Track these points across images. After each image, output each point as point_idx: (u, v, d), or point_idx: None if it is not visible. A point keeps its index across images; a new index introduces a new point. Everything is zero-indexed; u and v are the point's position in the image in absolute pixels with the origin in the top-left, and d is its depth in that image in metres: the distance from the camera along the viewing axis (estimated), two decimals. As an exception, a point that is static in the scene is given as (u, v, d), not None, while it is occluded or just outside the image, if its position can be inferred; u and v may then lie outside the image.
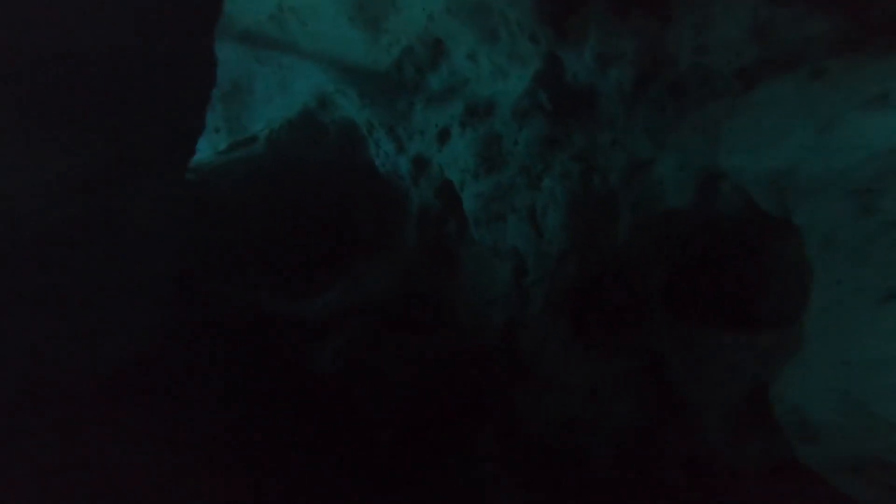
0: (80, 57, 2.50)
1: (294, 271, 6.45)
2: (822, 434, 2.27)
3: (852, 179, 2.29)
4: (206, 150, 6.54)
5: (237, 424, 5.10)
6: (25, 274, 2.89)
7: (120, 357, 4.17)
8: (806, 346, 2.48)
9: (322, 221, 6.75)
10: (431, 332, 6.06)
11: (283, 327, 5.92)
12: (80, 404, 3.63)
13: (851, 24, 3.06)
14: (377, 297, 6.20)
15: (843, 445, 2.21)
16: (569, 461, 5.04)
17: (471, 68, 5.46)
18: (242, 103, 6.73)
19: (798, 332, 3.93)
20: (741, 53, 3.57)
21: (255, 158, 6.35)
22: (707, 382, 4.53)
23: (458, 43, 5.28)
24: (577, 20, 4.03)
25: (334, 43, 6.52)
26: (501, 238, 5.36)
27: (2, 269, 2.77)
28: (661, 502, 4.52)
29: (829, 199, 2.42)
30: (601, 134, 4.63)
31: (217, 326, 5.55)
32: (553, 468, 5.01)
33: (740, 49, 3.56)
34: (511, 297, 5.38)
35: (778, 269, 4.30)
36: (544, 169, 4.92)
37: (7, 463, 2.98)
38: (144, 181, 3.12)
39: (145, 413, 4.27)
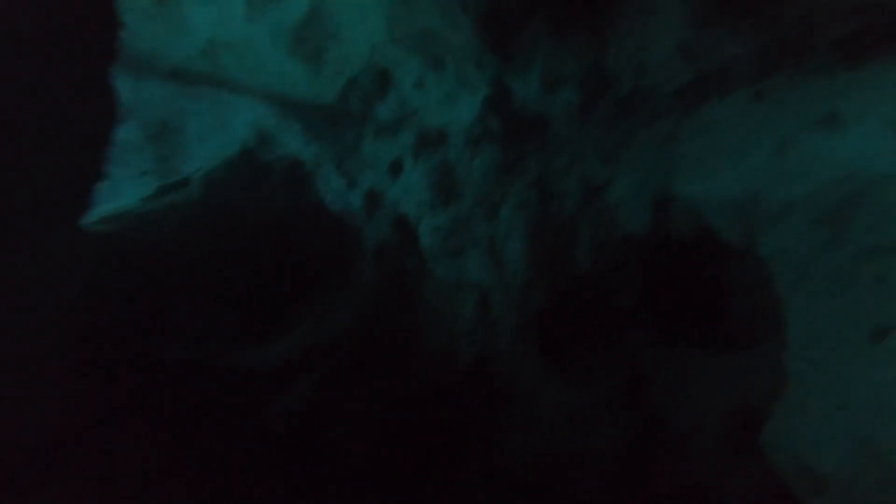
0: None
1: (244, 320, 5.98)
2: (833, 485, 2.10)
3: (816, 207, 2.20)
4: (133, 195, 6.02)
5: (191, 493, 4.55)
6: None
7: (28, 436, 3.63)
8: (795, 388, 2.33)
9: (270, 266, 6.34)
10: (399, 371, 5.72)
11: (235, 381, 5.43)
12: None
13: (770, 44, 3.07)
14: (339, 338, 5.81)
15: (859, 497, 2.04)
16: (555, 495, 4.76)
17: (419, 96, 5.30)
18: (174, 144, 6.28)
19: (775, 356, 3.86)
20: (676, 74, 3.57)
21: (190, 203, 5.88)
22: (691, 406, 4.39)
23: (404, 72, 5.12)
24: (521, 45, 3.94)
25: (273, 77, 6.25)
26: (463, 272, 5.13)
27: None
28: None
29: (796, 228, 2.32)
30: (556, 158, 4.53)
31: (154, 388, 5.01)
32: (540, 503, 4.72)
33: (674, 69, 3.56)
34: (478, 331, 5.13)
35: (742, 291, 4.23)
36: (501, 198, 4.76)
37: None
38: (29, 240, 2.68)
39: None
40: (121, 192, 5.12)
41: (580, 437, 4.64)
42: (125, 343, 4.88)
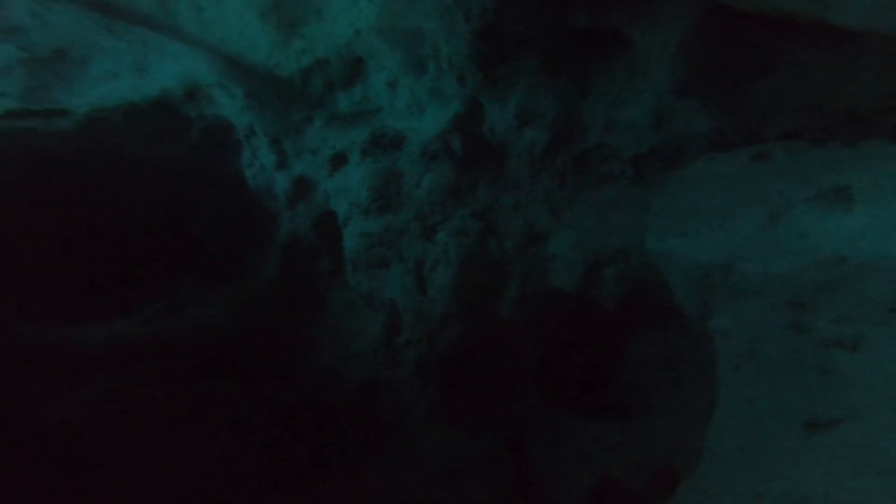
0: None
1: (82, 289, 4.90)
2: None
3: (790, 288, 2.17)
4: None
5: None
6: None
7: None
8: (710, 470, 2.21)
9: (143, 228, 5.43)
10: (265, 383, 4.96)
11: (34, 360, 4.29)
12: None
13: (728, 127, 3.29)
14: (198, 332, 4.96)
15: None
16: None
17: (387, 96, 5.07)
18: (62, 74, 5.29)
19: (645, 431, 3.89)
20: (640, 139, 3.72)
21: (53, 135, 4.84)
22: (560, 472, 4.25)
23: (380, 66, 4.89)
24: (509, 70, 3.92)
25: (232, 35, 5.71)
26: (380, 287, 4.73)
27: None
28: None
29: (760, 307, 2.29)
30: (507, 195, 4.45)
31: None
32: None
33: (640, 134, 3.71)
34: (377, 354, 4.66)
35: (637, 365, 4.33)
36: (443, 220, 4.55)
37: None
38: None
39: None
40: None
41: (449, 490, 4.26)
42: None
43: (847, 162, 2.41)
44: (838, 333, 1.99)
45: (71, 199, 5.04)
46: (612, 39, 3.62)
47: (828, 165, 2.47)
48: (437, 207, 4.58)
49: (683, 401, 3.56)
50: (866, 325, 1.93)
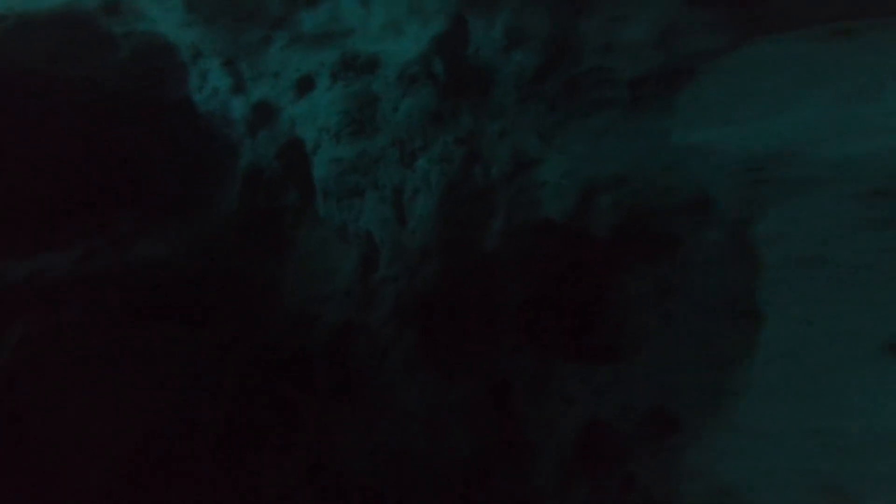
0: None
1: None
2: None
3: (877, 174, 1.77)
4: None
5: None
6: None
7: None
8: (752, 405, 1.93)
9: (68, 161, 4.79)
10: (224, 327, 4.58)
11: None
12: None
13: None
14: (143, 269, 4.47)
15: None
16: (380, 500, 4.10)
17: (360, 16, 4.61)
18: None
19: (634, 372, 3.84)
20: (639, 60, 3.55)
21: None
22: (544, 418, 4.19)
23: (350, -23, 4.42)
24: (499, -18, 3.62)
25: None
26: (354, 218, 4.41)
27: None
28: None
29: (831, 200, 1.85)
30: (492, 121, 4.20)
31: None
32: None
33: (641, 55, 3.53)
34: (353, 295, 4.38)
35: (631, 301, 4.27)
36: (424, 146, 4.25)
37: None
38: None
39: None
40: None
41: (429, 439, 4.13)
42: None
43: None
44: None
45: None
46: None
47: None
48: (416, 133, 4.27)
49: (676, 338, 3.51)
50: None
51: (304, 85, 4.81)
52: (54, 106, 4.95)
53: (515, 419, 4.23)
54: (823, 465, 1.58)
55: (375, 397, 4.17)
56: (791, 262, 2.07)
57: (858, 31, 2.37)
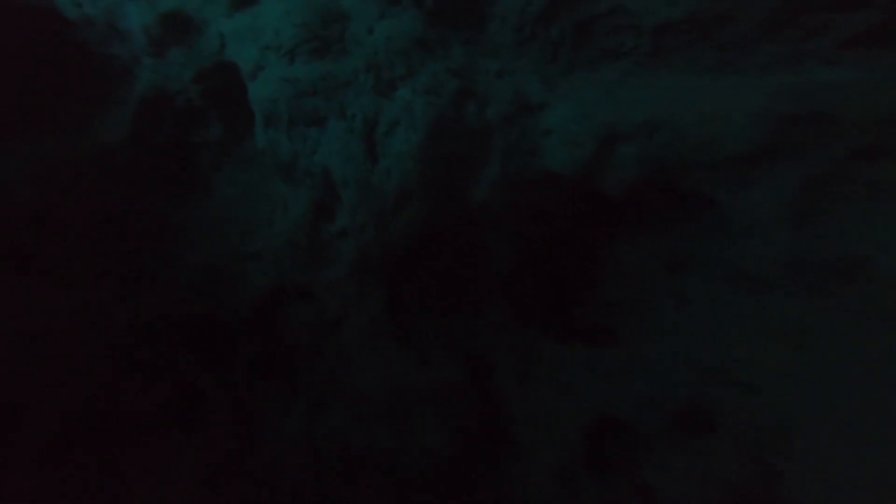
0: None
1: None
2: None
3: None
4: None
5: None
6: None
7: None
8: None
9: None
10: (103, 285, 3.20)
11: None
12: None
13: None
14: None
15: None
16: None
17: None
18: None
19: (646, 355, 3.39)
20: (675, 3, 3.34)
21: None
22: (539, 409, 3.49)
23: None
24: None
25: None
26: (309, 151, 3.47)
27: None
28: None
29: None
30: (487, 59, 3.69)
31: None
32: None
33: None
34: (297, 249, 3.35)
35: (651, 273, 3.82)
36: (406, 75, 3.56)
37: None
38: None
39: None
40: None
41: (395, 436, 3.17)
42: None
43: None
44: None
45: None
46: None
47: None
48: (397, 59, 3.58)
49: (693, 318, 3.10)
50: None
51: (246, -7, 3.89)
52: None
53: (501, 409, 3.45)
54: None
55: (320, 380, 3.10)
56: None
57: None
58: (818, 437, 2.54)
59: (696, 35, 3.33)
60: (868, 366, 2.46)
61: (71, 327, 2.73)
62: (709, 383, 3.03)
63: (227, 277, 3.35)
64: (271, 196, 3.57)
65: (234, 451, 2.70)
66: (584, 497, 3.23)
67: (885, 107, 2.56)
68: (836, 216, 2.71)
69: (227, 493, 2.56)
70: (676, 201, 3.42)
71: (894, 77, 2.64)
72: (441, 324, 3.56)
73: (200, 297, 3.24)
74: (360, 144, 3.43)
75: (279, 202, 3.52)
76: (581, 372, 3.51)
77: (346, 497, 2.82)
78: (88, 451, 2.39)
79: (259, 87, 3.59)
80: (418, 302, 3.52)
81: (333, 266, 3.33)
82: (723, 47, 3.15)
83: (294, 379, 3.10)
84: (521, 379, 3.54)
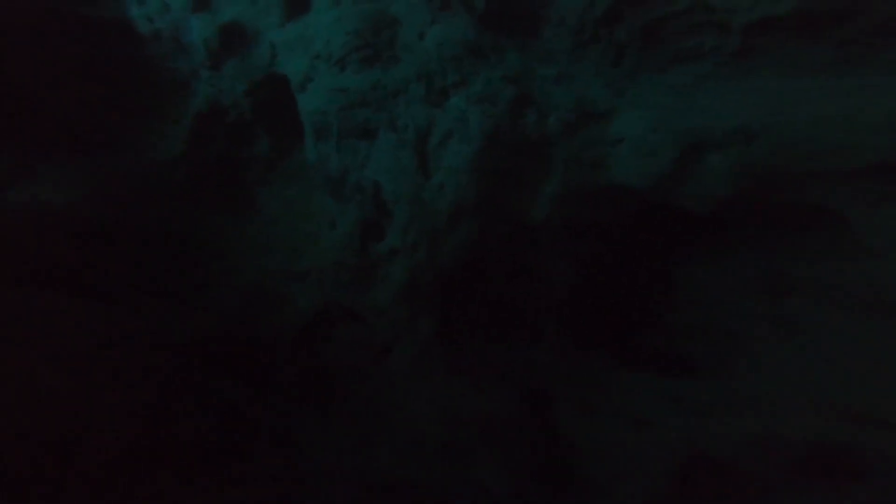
0: None
1: None
2: None
3: None
4: None
5: None
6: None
7: None
8: None
9: None
10: (146, 304, 3.18)
11: None
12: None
13: None
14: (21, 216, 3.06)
15: None
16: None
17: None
18: None
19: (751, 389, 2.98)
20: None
21: None
22: (612, 444, 3.16)
23: None
24: None
25: None
26: (358, 165, 3.34)
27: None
28: None
29: None
30: (544, 65, 3.42)
31: None
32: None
33: None
34: (342, 269, 3.22)
35: (742, 297, 3.37)
36: (458, 83, 3.35)
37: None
38: None
39: None
40: None
41: (447, 469, 2.95)
42: None
43: None
44: None
45: None
46: None
47: None
48: (450, 65, 3.38)
49: (806, 350, 2.68)
50: None
51: (295, 5, 3.81)
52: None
53: (565, 443, 3.16)
54: None
55: (369, 408, 2.94)
56: None
57: None
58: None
59: (805, 32, 2.91)
60: None
61: (124, 353, 2.73)
62: (843, 423, 2.61)
63: (272, 297, 3.27)
64: (317, 212, 3.47)
65: (283, 482, 2.61)
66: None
67: None
68: None
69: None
70: (778, 217, 3.01)
71: None
72: (496, 350, 3.33)
73: (247, 319, 3.18)
74: (411, 158, 3.25)
75: (326, 219, 3.42)
76: (662, 404, 3.16)
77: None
78: (141, 482, 2.37)
79: (308, 98, 3.50)
80: (471, 326, 3.30)
81: (382, 287, 3.17)
82: (843, 44, 2.73)
83: (341, 406, 2.97)
84: (585, 411, 3.24)
